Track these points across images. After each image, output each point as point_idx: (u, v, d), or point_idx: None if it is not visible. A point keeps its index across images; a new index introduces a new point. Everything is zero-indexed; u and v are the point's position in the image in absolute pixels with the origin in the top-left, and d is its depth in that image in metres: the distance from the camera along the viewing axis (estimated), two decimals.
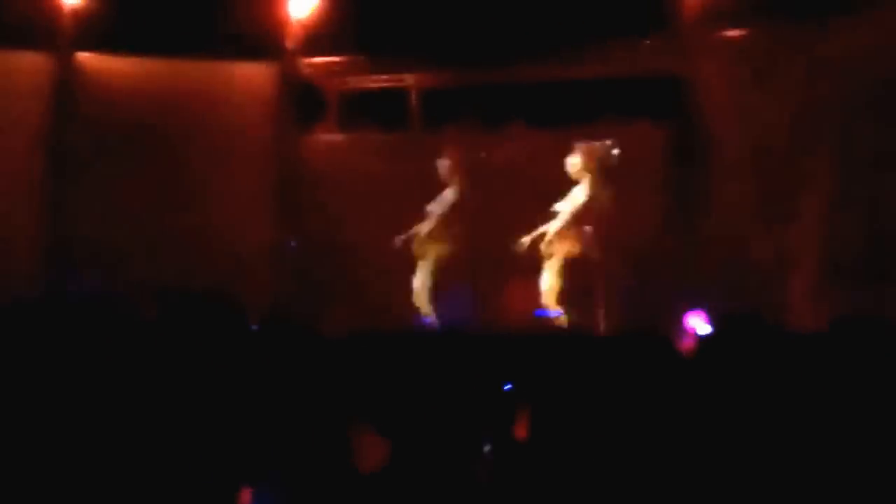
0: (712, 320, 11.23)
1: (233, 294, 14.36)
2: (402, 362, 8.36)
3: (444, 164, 15.71)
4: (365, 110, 17.30)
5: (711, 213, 15.00)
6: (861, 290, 13.00)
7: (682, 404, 6.57)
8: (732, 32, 15.35)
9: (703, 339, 10.00)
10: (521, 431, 6.66)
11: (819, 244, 14.23)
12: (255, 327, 11.58)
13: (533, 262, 15.29)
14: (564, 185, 15.50)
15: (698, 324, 11.62)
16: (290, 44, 16.91)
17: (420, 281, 15.74)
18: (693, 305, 11.89)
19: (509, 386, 7.38)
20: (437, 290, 15.85)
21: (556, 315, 14.90)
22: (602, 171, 15.00)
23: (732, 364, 7.36)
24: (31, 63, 16.74)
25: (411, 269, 15.88)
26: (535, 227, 15.27)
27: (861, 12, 14.24)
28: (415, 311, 15.75)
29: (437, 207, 15.63)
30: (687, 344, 10.03)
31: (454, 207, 15.72)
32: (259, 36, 16.58)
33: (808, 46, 14.53)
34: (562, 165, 15.53)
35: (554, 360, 7.98)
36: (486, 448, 6.69)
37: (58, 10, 16.66)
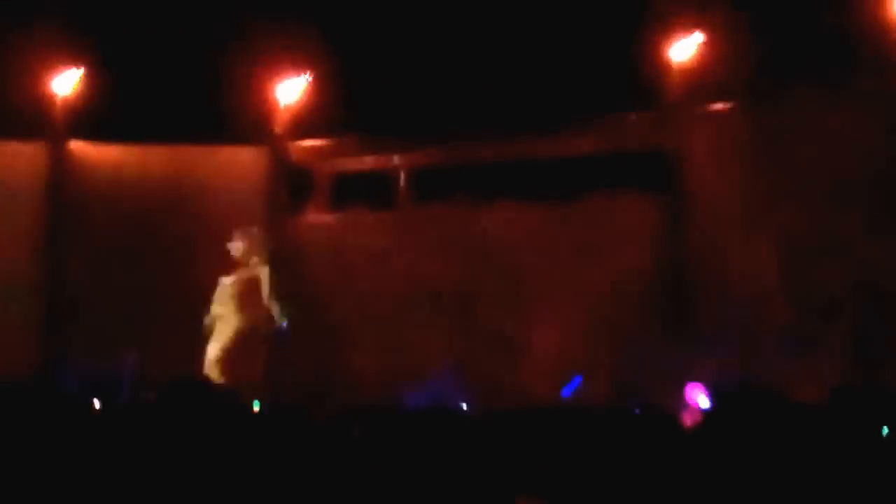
0: (712, 393, 11.28)
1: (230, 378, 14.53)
2: (406, 443, 8.35)
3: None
4: (355, 190, 17.42)
5: (702, 287, 15.15)
6: (856, 364, 13.12)
7: (692, 481, 6.60)
8: (718, 106, 15.57)
9: (706, 413, 10.03)
10: None
11: (811, 314, 14.34)
12: (256, 410, 11.55)
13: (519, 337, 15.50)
14: (555, 259, 15.70)
15: (699, 397, 11.69)
16: (279, 128, 17.08)
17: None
18: (692, 379, 11.98)
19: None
20: (427, 370, 15.84)
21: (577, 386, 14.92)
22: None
23: (739, 438, 7.38)
24: (24, 152, 16.88)
25: (400, 347, 15.94)
26: (510, 301, 15.58)
27: (840, 85, 14.47)
28: (405, 387, 15.74)
29: None
30: (691, 418, 10.08)
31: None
32: (249, 121, 16.75)
33: (792, 120, 14.77)
34: (552, 239, 15.78)
35: (559, 437, 8.01)
36: None
37: (50, 99, 16.82)
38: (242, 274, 15.39)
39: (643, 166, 15.94)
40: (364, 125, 16.87)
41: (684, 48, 15.67)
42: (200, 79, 16.13)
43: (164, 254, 16.55)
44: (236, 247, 15.50)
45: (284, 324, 16.48)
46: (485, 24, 16.38)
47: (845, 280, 14.29)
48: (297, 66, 16.92)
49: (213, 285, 16.29)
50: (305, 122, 17.02)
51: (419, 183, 17.45)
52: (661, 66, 15.71)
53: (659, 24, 15.51)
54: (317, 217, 17.48)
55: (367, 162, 17.60)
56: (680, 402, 11.72)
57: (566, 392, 14.94)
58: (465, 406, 14.28)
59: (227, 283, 15.40)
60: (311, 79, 16.92)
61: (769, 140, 15.04)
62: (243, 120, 16.67)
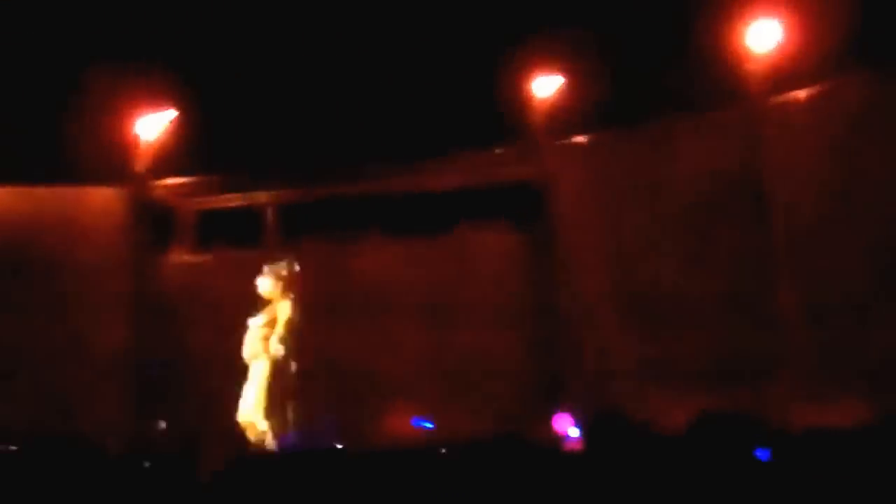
0: (579, 423, 11.35)
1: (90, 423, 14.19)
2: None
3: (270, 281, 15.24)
4: (221, 229, 17.20)
5: (570, 316, 15.28)
6: (716, 391, 13.31)
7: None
8: (581, 139, 15.78)
9: (572, 441, 10.12)
10: None
11: (677, 345, 14.54)
12: (121, 462, 11.28)
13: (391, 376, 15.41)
14: (425, 293, 15.72)
15: (566, 426, 11.75)
16: (140, 167, 16.76)
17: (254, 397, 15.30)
18: (560, 409, 12.05)
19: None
20: (295, 409, 15.63)
21: (430, 425, 14.86)
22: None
23: (607, 464, 7.45)
24: None
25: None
26: (378, 338, 15.56)
27: (704, 114, 14.78)
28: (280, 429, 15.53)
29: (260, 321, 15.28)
30: (570, 446, 10.15)
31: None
32: (110, 160, 16.44)
33: (654, 148, 15.05)
34: (421, 273, 15.81)
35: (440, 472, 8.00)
36: None
37: None
38: (270, 313, 14.54)
39: (510, 199, 16.08)
40: (229, 163, 16.67)
41: (547, 84, 15.88)
42: (58, 119, 15.80)
43: (25, 298, 16.15)
44: (264, 284, 15.01)
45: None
46: (351, 62, 16.38)
47: (710, 308, 14.52)
48: (159, 103, 16.67)
49: (79, 330, 16.01)
50: (168, 161, 16.74)
51: (286, 220, 17.30)
52: (526, 102, 15.90)
53: (523, 61, 15.68)
54: (181, 257, 17.22)
55: (233, 199, 17.39)
56: (551, 431, 11.75)
57: (420, 424, 14.94)
58: (339, 446, 14.15)
59: (255, 324, 14.52)
60: (173, 116, 16.65)
61: (632, 169, 15.29)
62: (105, 159, 16.36)
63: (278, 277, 14.40)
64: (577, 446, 10.57)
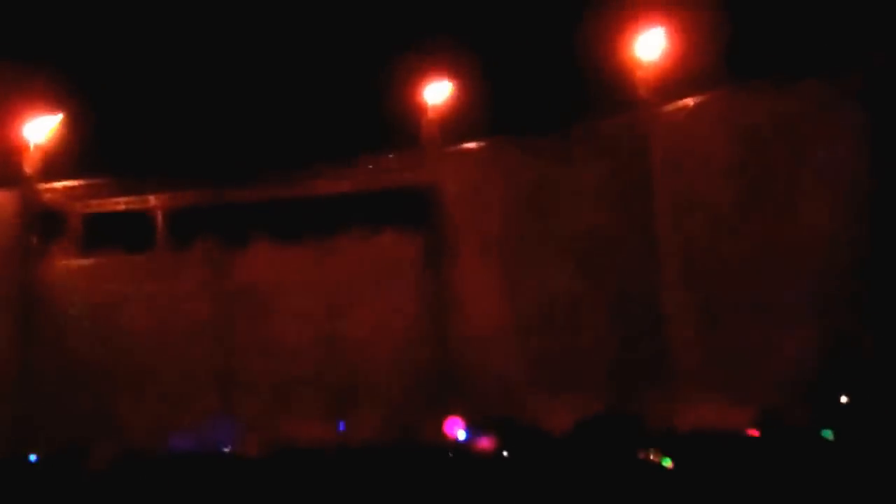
0: (469, 426, 11.53)
1: None
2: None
3: None
4: (110, 232, 17.08)
5: (461, 318, 15.45)
6: (607, 392, 13.60)
7: None
8: (470, 145, 15.98)
9: (462, 444, 10.34)
10: None
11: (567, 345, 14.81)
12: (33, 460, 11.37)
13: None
14: (316, 297, 15.82)
15: (457, 431, 11.91)
16: (28, 169, 16.57)
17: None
18: (452, 412, 12.18)
19: None
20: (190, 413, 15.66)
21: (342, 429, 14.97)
22: None
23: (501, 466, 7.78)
24: None
25: (162, 391, 15.74)
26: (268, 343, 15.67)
27: (595, 122, 15.09)
28: (168, 432, 15.51)
29: None
30: (483, 446, 10.38)
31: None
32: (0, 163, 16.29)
33: (545, 155, 15.32)
34: (311, 278, 15.88)
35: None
36: None
37: None
38: None
39: (401, 204, 16.19)
40: (119, 166, 16.59)
41: (437, 91, 16.08)
42: None
43: None
44: None
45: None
46: (241, 68, 16.40)
47: (598, 312, 14.82)
48: (49, 106, 16.53)
49: None
50: (57, 163, 16.59)
51: (176, 224, 17.24)
52: (416, 109, 16.07)
53: (413, 69, 15.85)
54: (67, 260, 17.03)
55: (122, 203, 17.28)
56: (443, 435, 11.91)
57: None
58: (228, 449, 14.20)
59: None
60: (60, 119, 16.53)
61: (521, 176, 15.53)
62: None
63: None
64: (469, 449, 10.79)
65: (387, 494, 9.49)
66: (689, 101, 14.61)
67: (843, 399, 12.99)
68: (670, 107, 14.74)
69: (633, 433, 10.63)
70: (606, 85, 14.72)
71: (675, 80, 14.58)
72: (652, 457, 9.05)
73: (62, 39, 16.20)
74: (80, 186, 17.06)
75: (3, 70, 15.50)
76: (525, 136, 15.57)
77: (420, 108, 16.15)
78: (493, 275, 15.37)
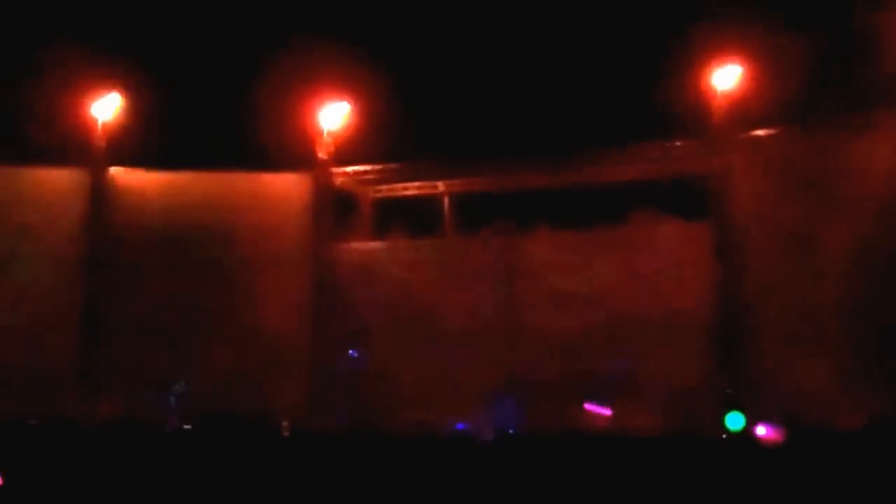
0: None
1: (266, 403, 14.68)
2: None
3: None
4: (398, 216, 17.48)
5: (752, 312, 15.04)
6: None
7: None
8: (761, 133, 15.45)
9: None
10: None
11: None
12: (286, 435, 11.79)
13: None
14: (595, 286, 15.74)
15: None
16: (322, 154, 17.09)
17: None
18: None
19: None
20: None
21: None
22: None
23: None
24: (65, 179, 17.04)
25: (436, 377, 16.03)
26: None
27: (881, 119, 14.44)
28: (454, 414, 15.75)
29: None
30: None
31: None
32: (293, 147, 16.84)
33: (833, 147, 14.67)
34: (589, 266, 15.79)
35: None
36: None
37: (91, 127, 17.00)
38: None
39: (681, 193, 15.87)
40: (408, 152, 16.94)
41: (728, 76, 15.61)
42: (243, 106, 16.26)
43: (206, 279, 16.67)
44: None
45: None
46: (531, 54, 16.45)
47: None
48: (340, 94, 17.05)
49: (253, 307, 16.51)
50: (349, 149, 17.06)
51: (463, 210, 17.51)
52: (704, 96, 15.65)
53: (702, 54, 15.48)
54: (360, 243, 17.50)
55: (411, 188, 17.66)
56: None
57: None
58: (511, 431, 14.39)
59: None
60: (348, 108, 17.02)
61: (809, 164, 14.99)
62: (287, 146, 16.77)
63: None
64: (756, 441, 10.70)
65: (662, 485, 9.41)
66: None
67: None
68: None
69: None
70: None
71: None
72: None
73: (355, 31, 16.67)
74: (370, 172, 17.50)
75: (298, 60, 16.08)
76: (823, 125, 14.98)
77: (709, 95, 15.70)
78: (789, 266, 14.82)
